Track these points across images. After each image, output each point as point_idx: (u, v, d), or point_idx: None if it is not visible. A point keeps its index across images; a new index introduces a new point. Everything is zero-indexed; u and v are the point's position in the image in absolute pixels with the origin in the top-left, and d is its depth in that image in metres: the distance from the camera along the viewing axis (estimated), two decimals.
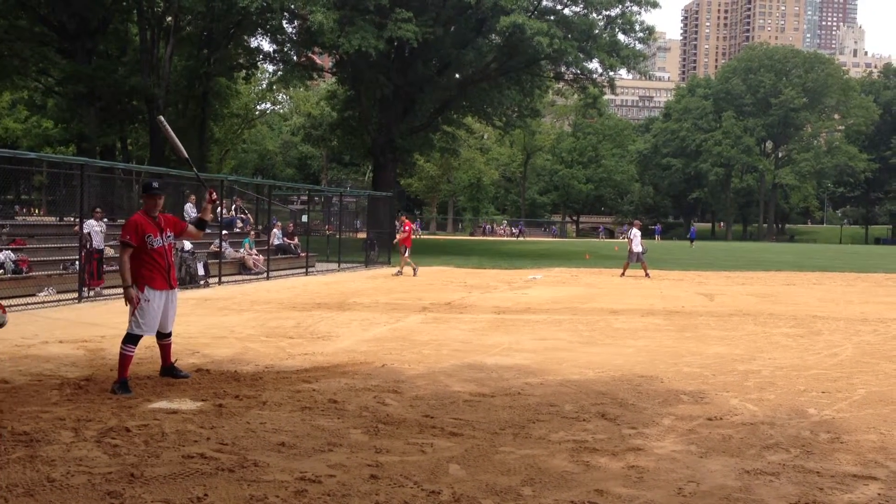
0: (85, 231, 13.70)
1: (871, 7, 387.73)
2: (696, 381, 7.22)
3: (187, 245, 16.59)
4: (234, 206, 24.77)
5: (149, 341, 6.99)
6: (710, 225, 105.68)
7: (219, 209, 18.51)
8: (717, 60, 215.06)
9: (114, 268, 14.05)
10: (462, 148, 60.35)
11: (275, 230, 22.92)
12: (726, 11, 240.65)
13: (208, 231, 20.37)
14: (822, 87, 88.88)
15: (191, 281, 16.28)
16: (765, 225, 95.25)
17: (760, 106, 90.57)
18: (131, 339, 6.42)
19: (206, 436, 5.01)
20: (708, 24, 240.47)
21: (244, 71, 39.93)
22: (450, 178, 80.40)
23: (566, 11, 35.75)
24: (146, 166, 26.27)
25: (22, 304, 11.88)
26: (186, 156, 7.46)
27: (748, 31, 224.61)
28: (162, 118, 7.91)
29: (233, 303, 13.48)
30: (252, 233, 22.03)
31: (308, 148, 72.46)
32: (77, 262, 13.94)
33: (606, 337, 10.09)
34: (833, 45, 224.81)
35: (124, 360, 6.32)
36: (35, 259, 14.63)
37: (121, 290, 6.57)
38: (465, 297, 15.27)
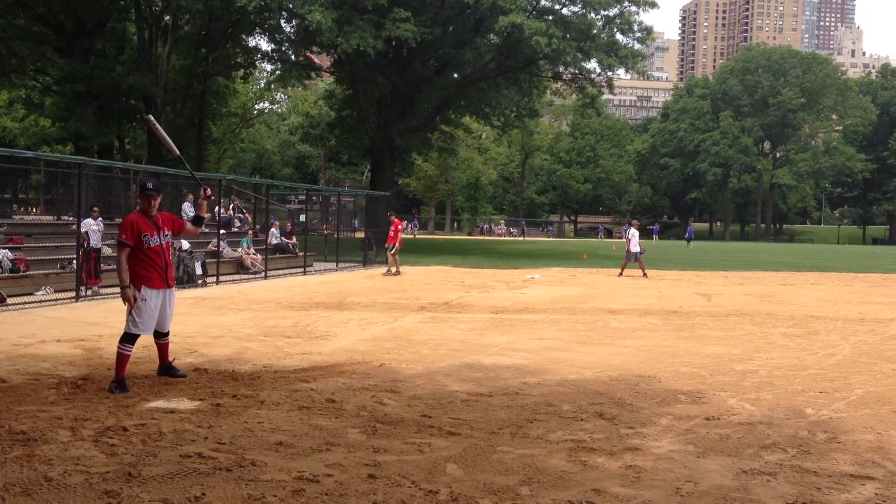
0: (82, 230, 13.69)
1: (869, 7, 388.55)
2: (694, 380, 7.23)
3: (185, 244, 16.59)
4: (231, 206, 24.76)
5: (146, 340, 6.98)
6: (707, 225, 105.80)
7: (217, 208, 18.51)
8: (715, 60, 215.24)
9: (111, 267, 14.05)
10: (460, 148, 60.40)
11: (273, 229, 22.92)
12: (724, 12, 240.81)
13: (206, 230, 20.38)
14: (820, 87, 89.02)
15: (188, 280, 16.26)
16: (762, 225, 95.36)
17: (758, 106, 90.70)
18: (129, 338, 6.42)
19: (203, 435, 5.00)
20: (706, 24, 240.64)
21: (242, 70, 39.87)
22: (448, 177, 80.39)
23: (564, 11, 35.76)
24: (144, 165, 26.22)
25: (19, 303, 11.88)
26: (178, 153, 7.48)
27: (746, 31, 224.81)
28: (151, 117, 7.91)
29: (231, 302, 13.47)
30: (250, 232, 22.01)
31: (306, 147, 72.43)
32: (74, 262, 13.92)
33: (604, 337, 10.09)
34: (831, 46, 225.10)
35: (122, 359, 6.32)
36: (32, 258, 14.61)
37: (118, 290, 6.57)
38: (463, 296, 15.27)
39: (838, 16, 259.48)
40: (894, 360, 8.58)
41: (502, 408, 5.98)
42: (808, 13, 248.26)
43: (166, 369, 6.85)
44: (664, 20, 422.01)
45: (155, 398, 6.04)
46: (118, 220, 15.05)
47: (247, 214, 25.14)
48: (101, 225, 14.69)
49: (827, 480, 4.40)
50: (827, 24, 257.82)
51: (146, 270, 6.47)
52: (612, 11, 34.79)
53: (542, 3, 35.82)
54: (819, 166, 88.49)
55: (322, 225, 32.53)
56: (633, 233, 22.35)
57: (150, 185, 6.66)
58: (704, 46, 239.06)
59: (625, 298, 15.37)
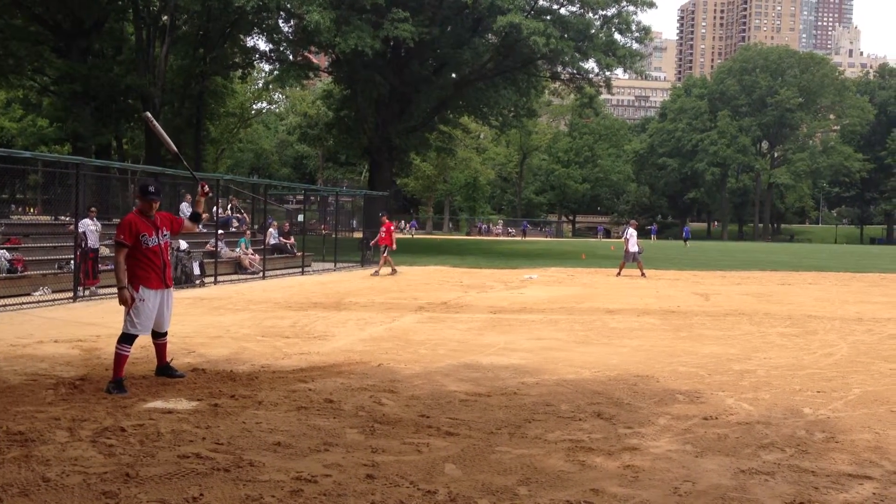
0: (80, 230, 13.68)
1: (867, 7, 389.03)
2: (692, 380, 7.23)
3: (183, 244, 16.58)
4: (229, 206, 24.74)
5: (144, 341, 6.97)
6: (705, 225, 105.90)
7: (215, 208, 18.50)
8: (713, 60, 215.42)
9: (109, 267, 14.02)
10: (458, 147, 60.35)
11: (271, 230, 22.89)
12: (722, 11, 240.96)
13: (204, 230, 20.38)
14: (818, 87, 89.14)
15: (186, 280, 16.25)
16: (760, 225, 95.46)
17: (756, 106, 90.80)
18: (127, 338, 6.41)
19: (201, 435, 5.00)
20: (704, 23, 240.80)
21: (240, 70, 39.87)
22: (446, 177, 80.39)
23: (563, 11, 35.78)
24: (142, 165, 26.20)
25: (17, 304, 11.86)
26: (176, 150, 7.47)
27: (744, 31, 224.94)
28: (148, 114, 7.90)
29: (229, 302, 13.46)
30: (248, 232, 22.00)
31: (304, 147, 72.39)
32: (72, 262, 13.91)
33: (602, 336, 10.09)
34: (829, 46, 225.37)
35: (120, 359, 6.31)
36: (30, 258, 14.58)
37: (116, 290, 6.56)
38: (461, 296, 15.27)
39: (836, 16, 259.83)
40: (892, 359, 8.58)
41: (500, 408, 5.98)
42: (805, 13, 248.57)
43: (164, 370, 6.85)
44: (662, 20, 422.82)
45: (153, 398, 6.03)
46: (116, 221, 15.05)
47: (245, 214, 25.13)
48: (99, 225, 14.69)
49: (825, 480, 4.40)
50: (825, 23, 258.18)
51: (144, 271, 6.46)
52: (610, 11, 34.82)
53: (541, 2, 35.88)
54: (817, 166, 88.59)
55: (320, 225, 32.50)
56: (632, 233, 22.37)
57: (151, 189, 6.62)
58: (702, 46, 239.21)
59: (623, 298, 15.37)
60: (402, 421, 5.50)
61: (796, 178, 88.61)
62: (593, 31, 34.57)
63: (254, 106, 61.82)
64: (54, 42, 32.92)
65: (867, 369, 7.94)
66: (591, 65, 36.49)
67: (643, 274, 21.87)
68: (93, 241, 14.16)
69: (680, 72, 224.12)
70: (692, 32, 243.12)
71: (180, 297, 12.79)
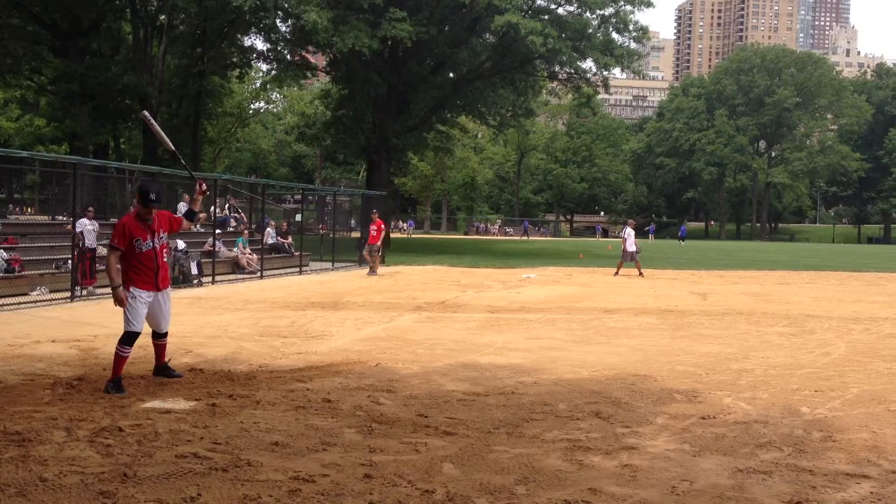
0: (77, 230, 13.66)
1: (864, 7, 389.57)
2: (690, 379, 7.24)
3: (180, 244, 16.56)
4: (227, 206, 24.72)
5: (142, 341, 6.97)
6: (703, 224, 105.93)
7: (212, 208, 18.48)
8: (710, 60, 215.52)
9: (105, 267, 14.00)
10: (456, 147, 60.29)
11: (268, 229, 22.89)
12: (720, 11, 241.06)
13: (202, 230, 20.36)
14: (815, 86, 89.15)
15: (184, 280, 16.24)
16: (758, 224, 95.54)
17: (753, 105, 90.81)
18: (127, 339, 6.40)
19: (199, 435, 5.00)
20: (701, 23, 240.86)
21: (238, 70, 39.79)
22: (444, 177, 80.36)
23: (560, 11, 35.76)
24: (139, 165, 26.17)
25: (14, 304, 11.84)
26: (174, 148, 7.46)
27: (742, 30, 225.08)
28: (146, 113, 7.89)
29: (226, 302, 13.45)
30: (246, 232, 21.98)
31: (302, 147, 72.29)
32: (69, 261, 13.89)
33: (600, 336, 10.10)
34: (826, 45, 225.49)
35: (119, 360, 6.31)
36: (27, 258, 14.57)
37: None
38: (459, 296, 15.27)
39: (833, 15, 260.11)
40: (889, 358, 8.59)
41: (498, 407, 5.99)
42: (803, 12, 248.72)
43: (162, 370, 6.85)
44: (660, 20, 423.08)
45: (151, 398, 6.03)
46: (113, 220, 15.02)
47: (242, 214, 25.10)
48: (97, 225, 14.66)
49: (822, 479, 4.41)
50: (822, 23, 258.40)
51: (137, 274, 6.45)
52: (608, 11, 34.79)
53: (538, 2, 35.85)
54: (814, 165, 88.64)
55: (318, 225, 32.48)
56: (630, 232, 22.38)
57: (153, 197, 6.46)
58: (700, 46, 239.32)
59: (621, 298, 15.38)
60: (400, 420, 5.50)
61: (794, 178, 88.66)
62: (591, 30, 34.56)
63: (251, 106, 61.75)
64: (52, 41, 32.87)
65: (865, 368, 7.96)
66: (588, 64, 36.50)
67: (641, 273, 21.88)
68: (90, 241, 14.14)
69: (677, 71, 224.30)
70: (689, 32, 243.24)
71: (178, 297, 12.77)
